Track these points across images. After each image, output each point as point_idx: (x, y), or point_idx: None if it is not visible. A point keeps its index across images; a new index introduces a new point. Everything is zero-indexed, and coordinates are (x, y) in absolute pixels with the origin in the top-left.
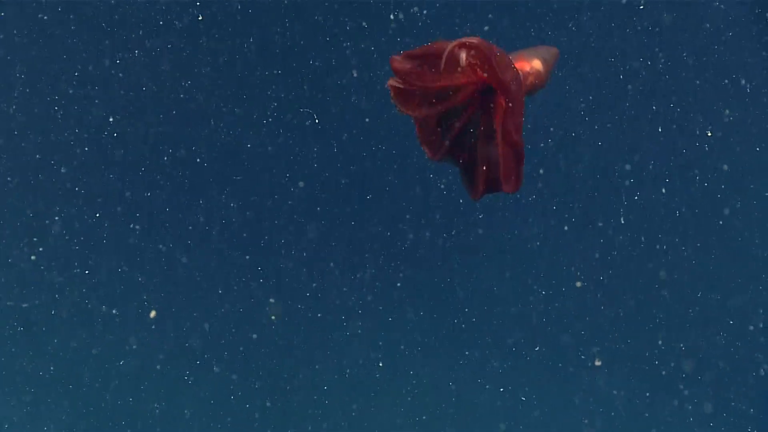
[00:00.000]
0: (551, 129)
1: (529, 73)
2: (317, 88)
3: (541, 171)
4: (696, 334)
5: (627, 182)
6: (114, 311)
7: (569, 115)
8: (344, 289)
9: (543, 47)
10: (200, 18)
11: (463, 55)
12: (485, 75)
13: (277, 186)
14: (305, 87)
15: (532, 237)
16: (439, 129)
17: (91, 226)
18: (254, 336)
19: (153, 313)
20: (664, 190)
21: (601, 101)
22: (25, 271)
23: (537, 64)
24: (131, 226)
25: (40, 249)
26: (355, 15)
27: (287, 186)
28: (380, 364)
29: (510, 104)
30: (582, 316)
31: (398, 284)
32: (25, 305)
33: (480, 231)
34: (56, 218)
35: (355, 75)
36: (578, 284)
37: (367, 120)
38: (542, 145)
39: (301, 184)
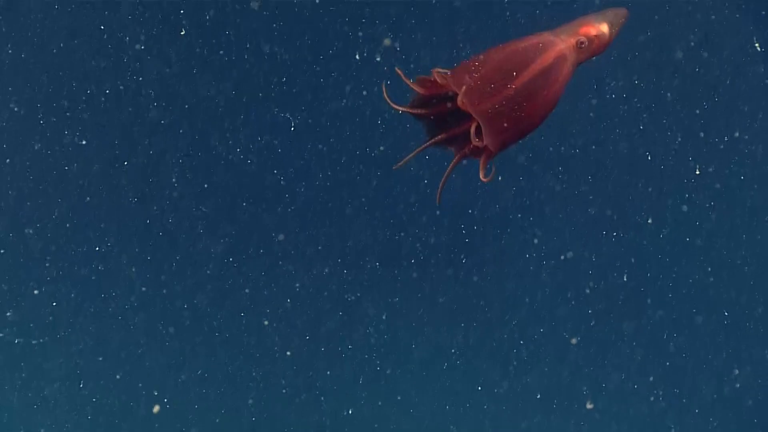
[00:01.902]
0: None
1: (595, 36)
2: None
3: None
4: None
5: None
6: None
7: (584, 115)
8: (345, 290)
9: (611, 10)
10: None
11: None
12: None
13: (278, 188)
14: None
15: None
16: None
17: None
18: (265, 322)
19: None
20: (687, 195)
21: (614, 100)
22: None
23: (604, 27)
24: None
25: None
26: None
27: (288, 188)
28: (381, 369)
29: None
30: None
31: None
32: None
33: (484, 235)
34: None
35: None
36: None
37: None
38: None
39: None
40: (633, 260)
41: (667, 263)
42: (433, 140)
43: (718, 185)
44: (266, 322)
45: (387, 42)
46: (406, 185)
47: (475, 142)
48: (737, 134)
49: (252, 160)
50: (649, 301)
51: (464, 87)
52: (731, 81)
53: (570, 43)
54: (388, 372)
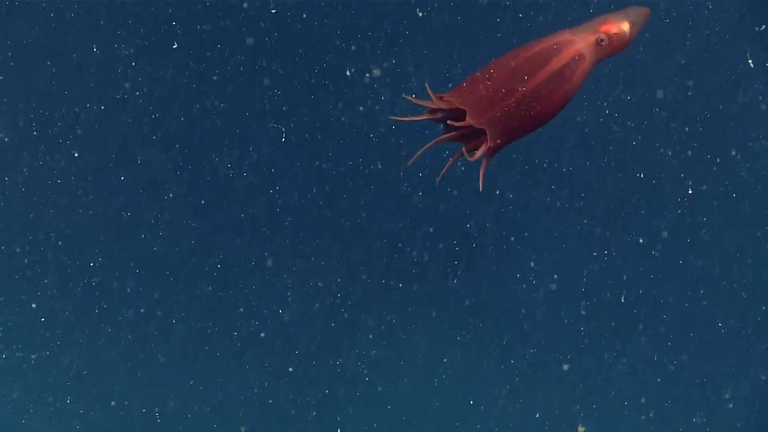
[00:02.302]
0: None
1: (615, 34)
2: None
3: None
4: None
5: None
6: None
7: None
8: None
9: (633, 8)
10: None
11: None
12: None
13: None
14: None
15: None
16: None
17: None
18: (262, 334)
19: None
20: (686, 200)
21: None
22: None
23: (625, 26)
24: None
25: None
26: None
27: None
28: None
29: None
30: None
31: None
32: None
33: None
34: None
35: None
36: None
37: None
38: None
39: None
40: (625, 278)
41: (659, 282)
42: (441, 138)
43: (714, 203)
44: (263, 335)
45: (377, 72)
46: (401, 201)
47: (481, 147)
48: (734, 153)
49: (247, 173)
50: (641, 321)
51: (469, 108)
52: (726, 99)
53: (590, 41)
54: (379, 389)
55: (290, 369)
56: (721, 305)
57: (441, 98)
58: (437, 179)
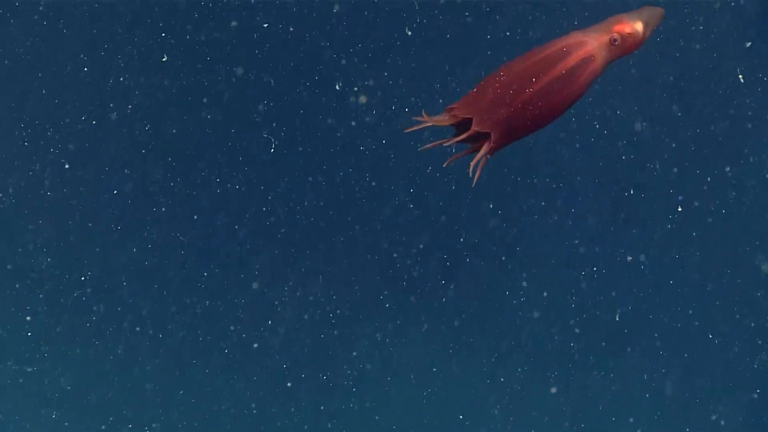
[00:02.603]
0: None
1: (629, 34)
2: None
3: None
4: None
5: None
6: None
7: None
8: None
9: (647, 8)
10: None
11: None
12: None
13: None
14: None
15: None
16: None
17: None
18: (255, 345)
19: None
20: (696, 203)
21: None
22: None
23: (639, 26)
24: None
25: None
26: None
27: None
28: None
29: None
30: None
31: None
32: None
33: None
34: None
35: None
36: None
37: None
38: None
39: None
40: (614, 294)
41: (650, 300)
42: (449, 141)
43: (706, 220)
44: (255, 345)
45: (363, 99)
46: (393, 214)
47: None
48: (727, 169)
49: (239, 185)
50: (632, 339)
51: (475, 114)
52: (717, 116)
53: (602, 41)
54: (367, 405)
55: (281, 382)
56: (712, 323)
57: (449, 111)
58: (445, 163)
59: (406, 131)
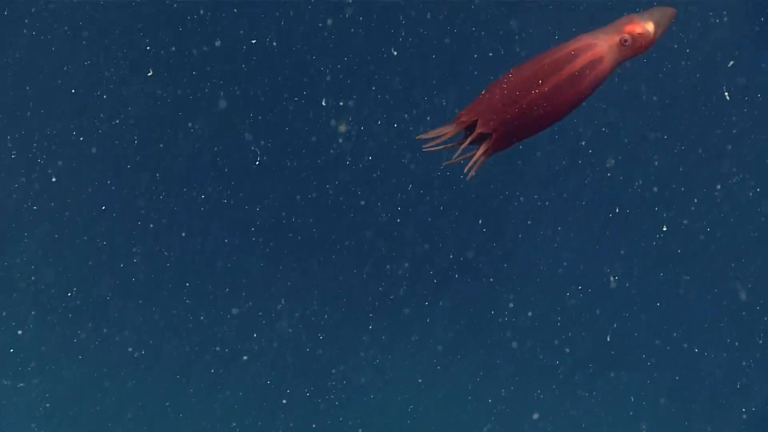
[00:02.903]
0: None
1: (639, 35)
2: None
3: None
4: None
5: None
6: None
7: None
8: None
9: (658, 8)
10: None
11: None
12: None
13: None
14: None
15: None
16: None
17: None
18: (245, 357)
19: None
20: (696, 200)
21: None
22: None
23: (650, 26)
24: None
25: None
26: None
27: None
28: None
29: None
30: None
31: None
32: None
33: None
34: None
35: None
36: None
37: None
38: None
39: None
40: (598, 312)
41: (634, 319)
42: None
43: (693, 239)
44: (245, 357)
45: (342, 128)
46: (382, 230)
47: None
48: (719, 186)
49: (226, 200)
50: (616, 359)
51: (480, 115)
52: (706, 132)
53: (613, 42)
54: (358, 421)
55: (269, 395)
56: (699, 343)
57: (457, 119)
58: (445, 162)
59: (425, 150)
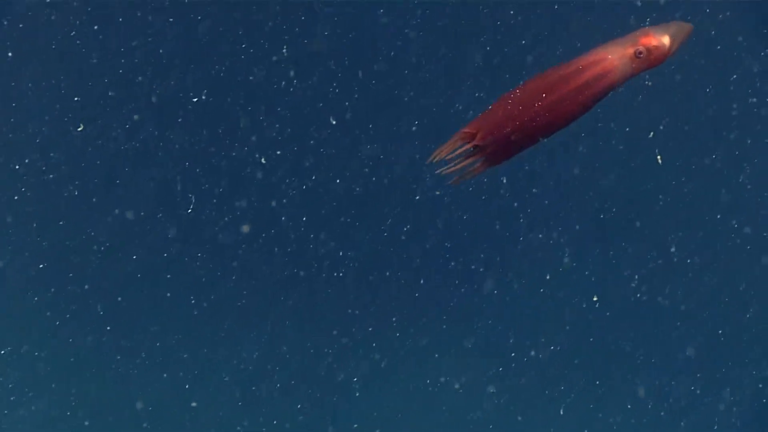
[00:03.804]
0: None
1: (654, 47)
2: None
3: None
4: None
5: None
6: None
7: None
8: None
9: (675, 23)
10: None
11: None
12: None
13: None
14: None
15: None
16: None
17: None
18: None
19: None
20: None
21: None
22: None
23: (666, 39)
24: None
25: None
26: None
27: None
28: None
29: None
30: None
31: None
32: None
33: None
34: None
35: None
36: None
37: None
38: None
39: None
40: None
41: (637, 329)
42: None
43: (693, 249)
44: (226, 378)
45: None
46: (382, 241)
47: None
48: (718, 216)
49: (218, 210)
50: (615, 367)
51: (482, 129)
52: (700, 151)
53: (626, 54)
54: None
55: (268, 402)
56: (701, 353)
57: (463, 134)
58: (442, 171)
59: (436, 173)
